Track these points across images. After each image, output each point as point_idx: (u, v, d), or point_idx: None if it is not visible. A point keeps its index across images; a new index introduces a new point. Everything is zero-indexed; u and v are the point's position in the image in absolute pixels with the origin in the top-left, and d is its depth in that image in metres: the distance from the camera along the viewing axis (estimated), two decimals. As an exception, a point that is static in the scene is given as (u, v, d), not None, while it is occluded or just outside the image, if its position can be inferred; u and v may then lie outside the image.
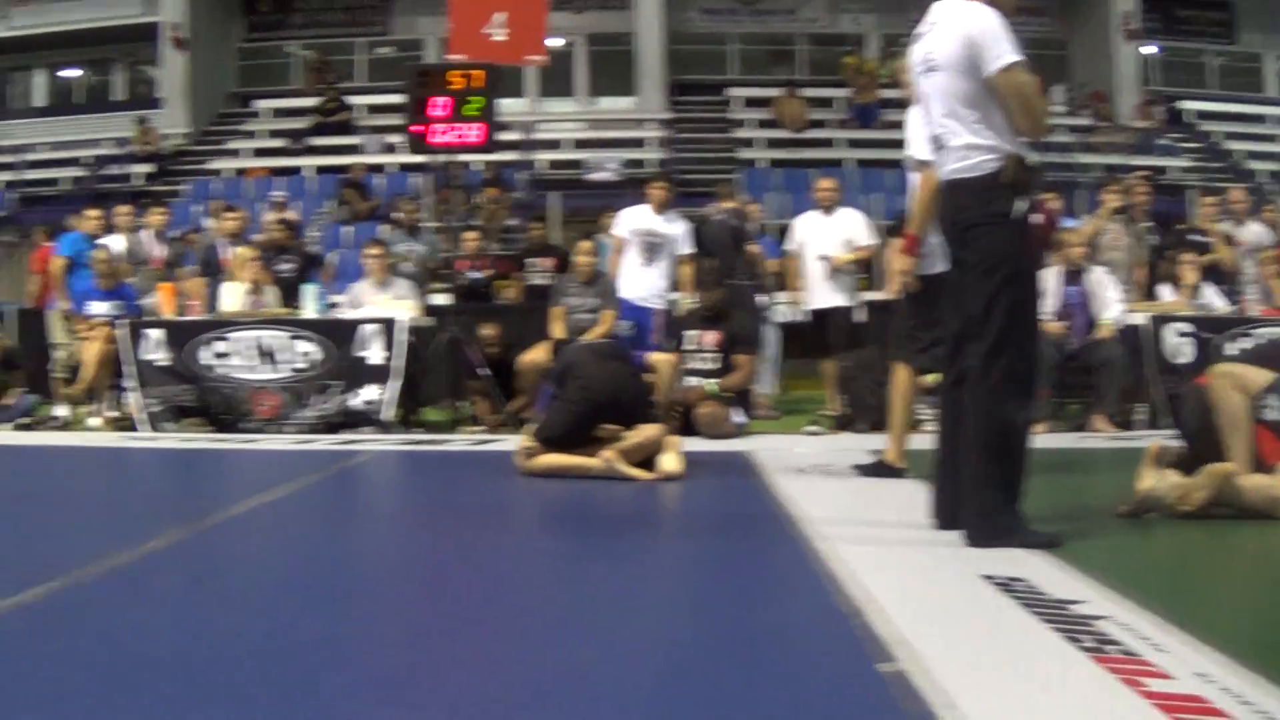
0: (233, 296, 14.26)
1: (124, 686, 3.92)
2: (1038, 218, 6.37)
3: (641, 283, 13.85)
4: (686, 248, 14.13)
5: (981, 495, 6.00)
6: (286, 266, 15.58)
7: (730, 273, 14.16)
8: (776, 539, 6.52)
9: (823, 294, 13.75)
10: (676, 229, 14.18)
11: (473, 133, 14.21)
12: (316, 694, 3.86)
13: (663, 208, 14.16)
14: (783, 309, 15.23)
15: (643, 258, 13.93)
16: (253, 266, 14.30)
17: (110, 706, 3.72)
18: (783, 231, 16.17)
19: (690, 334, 12.67)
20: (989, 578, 5.23)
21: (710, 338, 12.54)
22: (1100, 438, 12.06)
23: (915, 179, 8.64)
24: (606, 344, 10.98)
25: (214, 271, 15.54)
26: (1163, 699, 3.61)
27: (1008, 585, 5.09)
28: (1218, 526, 6.73)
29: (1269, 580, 5.86)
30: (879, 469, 9.10)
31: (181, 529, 7.08)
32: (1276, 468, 7.07)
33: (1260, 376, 7.46)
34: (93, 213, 16.73)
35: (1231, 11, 35.23)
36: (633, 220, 14.26)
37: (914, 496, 7.30)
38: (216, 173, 29.84)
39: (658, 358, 11.68)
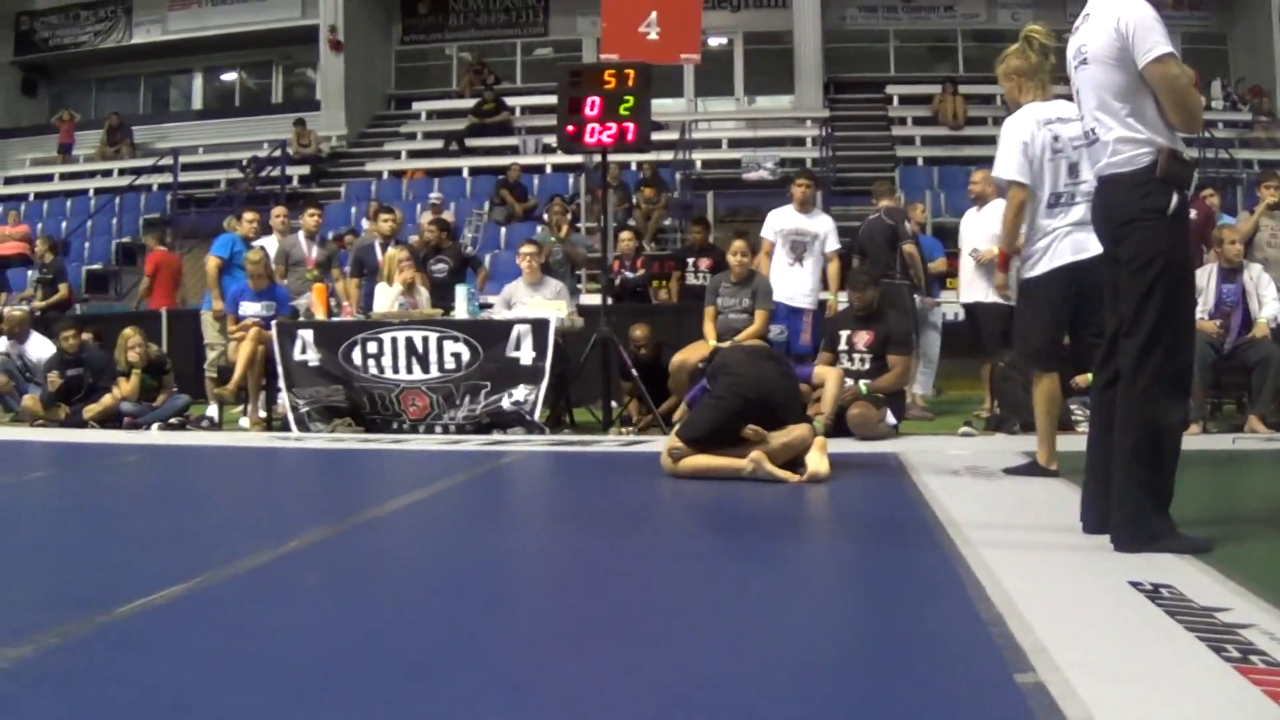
0: (385, 297, 14.34)
1: (251, 686, 3.92)
2: (1193, 214, 6.25)
3: (790, 283, 13.82)
4: (833, 244, 14.13)
5: (1131, 498, 5.86)
6: (440, 267, 15.67)
7: (886, 272, 14.07)
8: (921, 542, 6.43)
9: (973, 290, 13.57)
10: (822, 226, 14.23)
11: (626, 132, 14.13)
12: (449, 695, 3.83)
13: (806, 205, 14.18)
14: (944, 308, 15.07)
15: (790, 257, 13.93)
16: (405, 267, 14.36)
17: (235, 706, 3.72)
18: (940, 230, 16.05)
19: (844, 334, 12.58)
20: (1135, 584, 5.11)
21: (864, 338, 12.45)
22: (1255, 439, 11.85)
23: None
24: (759, 345, 10.95)
25: (369, 272, 15.67)
26: (1309, 713, 3.50)
27: (1154, 592, 4.97)
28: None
29: None
30: (1030, 470, 9.01)
31: (324, 529, 7.17)
32: None
33: None
34: (248, 215, 16.95)
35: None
36: (778, 220, 14.30)
37: (1064, 499, 7.22)
38: (374, 174, 30.12)
39: (823, 370, 11.55)
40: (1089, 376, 7.90)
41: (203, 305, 16.53)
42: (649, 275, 17.96)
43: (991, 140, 26.80)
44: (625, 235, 18.47)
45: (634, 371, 13.47)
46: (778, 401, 9.46)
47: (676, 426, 9.92)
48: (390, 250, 15.14)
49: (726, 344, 12.21)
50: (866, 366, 12.38)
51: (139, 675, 4.04)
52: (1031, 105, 8.62)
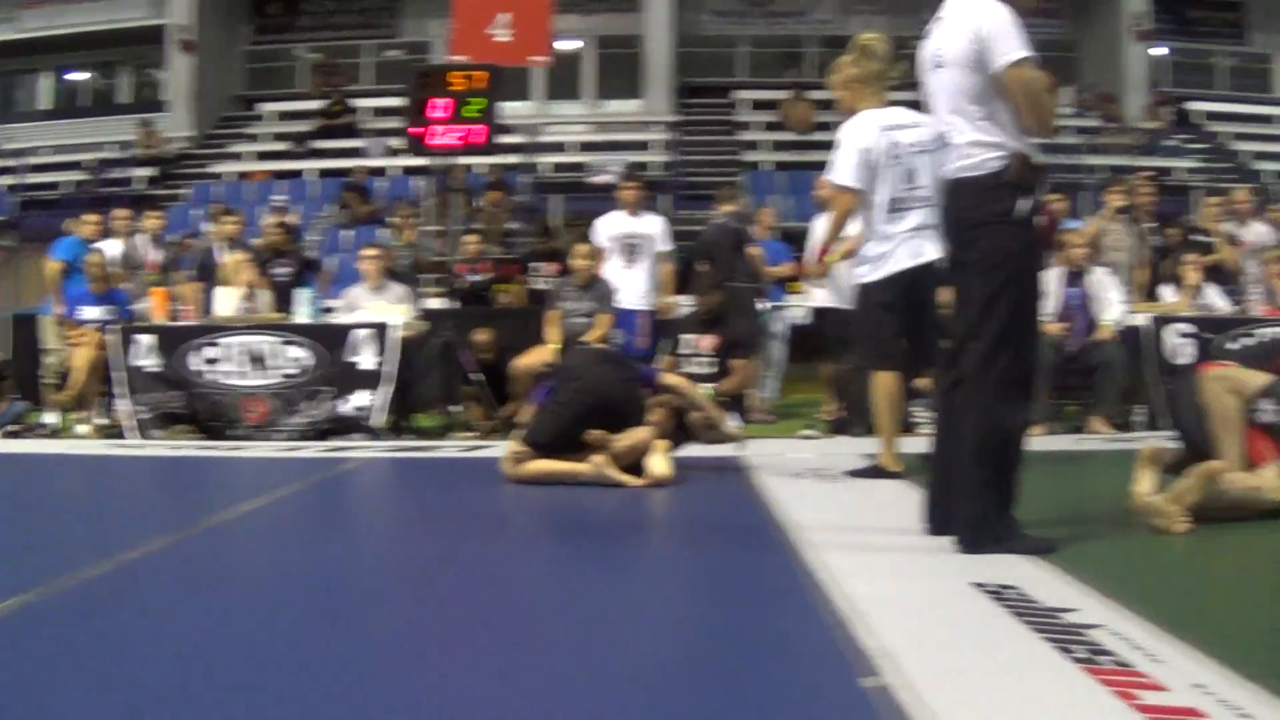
0: (226, 301, 14.13)
1: (86, 701, 3.83)
2: (1041, 218, 6.24)
3: (624, 286, 13.85)
4: (665, 245, 14.18)
5: (975, 500, 5.88)
6: (282, 271, 15.48)
7: (731, 276, 14.08)
8: (764, 546, 6.40)
9: (820, 294, 13.62)
10: (652, 227, 14.27)
11: (474, 135, 14.03)
12: (290, 705, 3.79)
13: (636, 208, 14.22)
14: (790, 311, 15.10)
15: (623, 260, 13.93)
16: (247, 271, 14.15)
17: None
18: (789, 235, 16.10)
19: (687, 338, 12.60)
20: (980, 585, 5.10)
21: (707, 342, 12.50)
22: (1098, 440, 12.04)
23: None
24: (602, 349, 10.92)
25: (209, 276, 15.47)
26: (1157, 712, 3.50)
27: (999, 593, 4.97)
28: (1215, 531, 6.60)
29: (1268, 586, 5.73)
30: (873, 472, 9.06)
31: (163, 538, 7.03)
32: (1262, 468, 7.08)
33: (1255, 379, 7.42)
34: (90, 217, 16.67)
35: (1242, 12, 35.34)
36: (608, 225, 14.30)
37: (907, 501, 7.21)
38: (219, 176, 29.86)
39: (672, 379, 11.51)
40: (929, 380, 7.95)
41: (42, 310, 16.20)
42: (494, 279, 17.87)
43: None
44: (470, 238, 18.37)
45: (477, 376, 13.34)
46: (620, 405, 9.47)
47: (519, 431, 9.85)
48: (234, 254, 14.88)
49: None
50: (711, 369, 12.39)
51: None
52: (870, 112, 8.64)
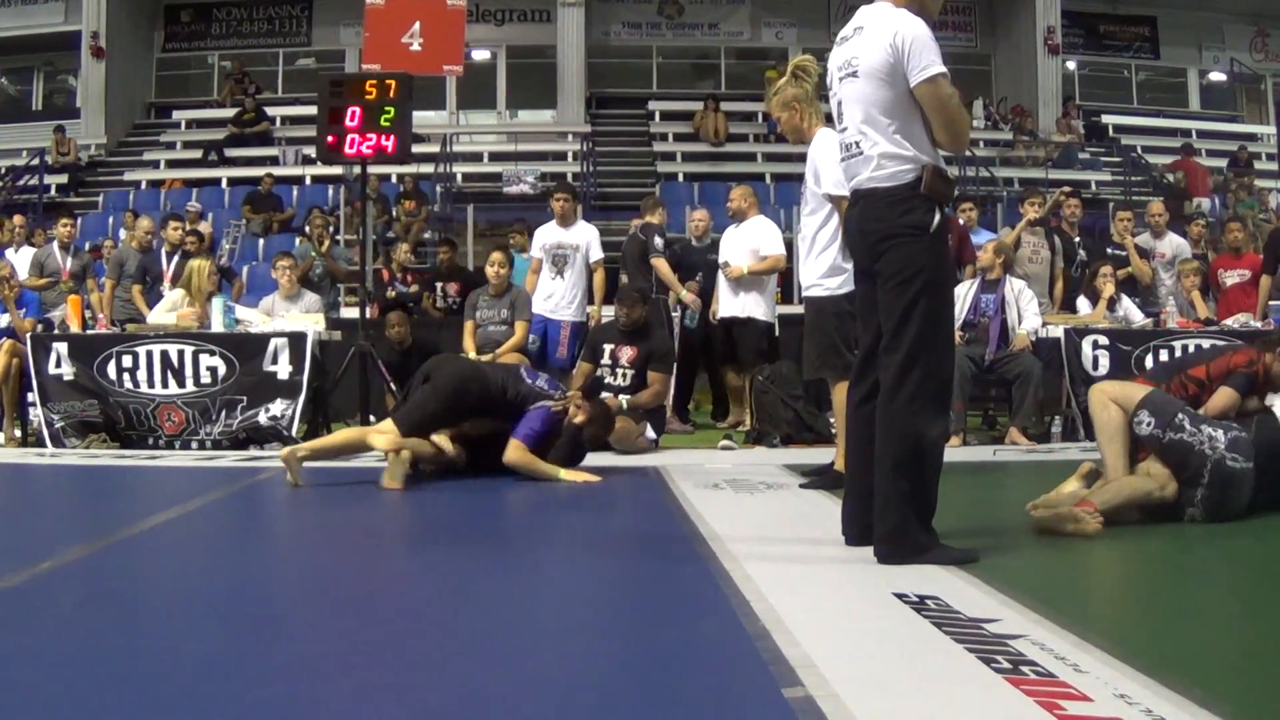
0: (172, 306, 14.02)
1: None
2: (950, 230, 6.26)
3: (550, 295, 13.96)
4: (596, 254, 14.27)
5: (893, 511, 5.86)
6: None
7: (643, 287, 14.13)
8: (684, 557, 6.36)
9: (729, 305, 13.64)
10: (582, 237, 14.27)
11: (386, 143, 13.96)
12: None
13: (566, 219, 14.26)
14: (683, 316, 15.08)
15: (551, 270, 14.01)
16: (213, 281, 14.02)
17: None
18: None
19: (608, 347, 12.56)
20: (901, 596, 5.09)
21: (627, 353, 12.45)
22: (1016, 450, 12.07)
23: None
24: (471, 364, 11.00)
25: (152, 279, 15.39)
26: (1082, 723, 3.48)
27: (920, 604, 4.95)
28: (1134, 540, 6.67)
29: (1187, 594, 5.77)
30: (830, 479, 9.02)
31: (78, 548, 6.90)
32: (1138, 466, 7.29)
33: (1137, 392, 7.49)
34: (9, 225, 16.62)
35: (1154, 26, 35.73)
36: (542, 236, 14.41)
37: (826, 512, 7.25)
38: (132, 183, 29.63)
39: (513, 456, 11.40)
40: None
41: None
42: (421, 289, 17.85)
43: (750, 157, 27.09)
44: (403, 248, 18.43)
45: (393, 385, 13.30)
46: (494, 392, 9.98)
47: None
48: (199, 260, 14.64)
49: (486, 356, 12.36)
50: (627, 381, 12.37)
51: None
52: (828, 131, 8.62)
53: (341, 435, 10.94)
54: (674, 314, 14.81)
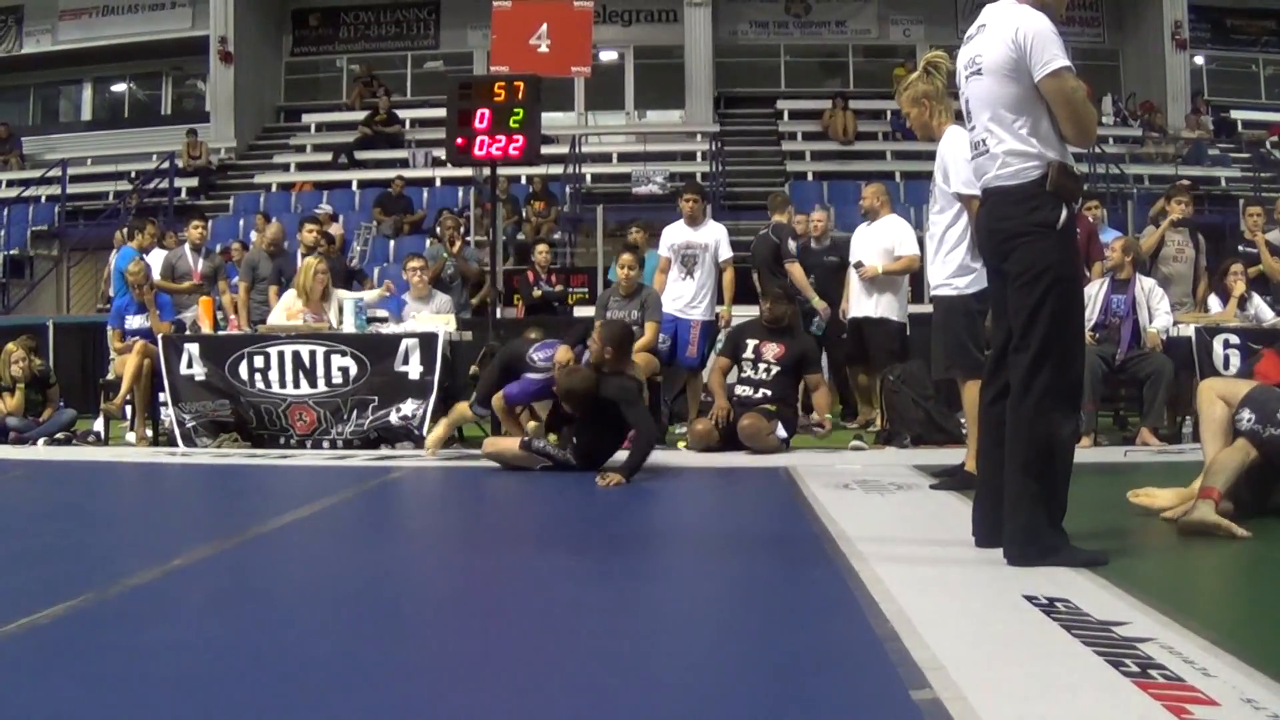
0: (289, 307, 14.12)
1: (131, 706, 3.82)
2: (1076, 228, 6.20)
3: (680, 295, 13.86)
4: (726, 253, 14.11)
5: (1023, 513, 5.83)
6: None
7: (767, 288, 14.08)
8: (813, 557, 6.35)
9: (861, 305, 13.56)
10: (711, 236, 14.13)
11: (515, 145, 14.04)
12: (330, 716, 3.75)
13: (695, 220, 14.11)
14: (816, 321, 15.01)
15: (680, 271, 13.93)
16: (321, 281, 14.13)
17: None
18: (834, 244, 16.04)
19: (751, 342, 12.50)
20: (1030, 598, 5.06)
21: (773, 350, 12.37)
22: (1147, 451, 11.90)
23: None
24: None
25: (286, 280, 15.53)
26: (1209, 728, 3.45)
27: (1050, 606, 4.92)
28: (1265, 542, 6.56)
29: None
30: (960, 479, 8.94)
31: (210, 546, 7.01)
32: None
33: (1241, 388, 7.40)
34: (149, 229, 16.84)
35: (1282, 20, 34.97)
36: (671, 236, 14.24)
37: (956, 513, 7.22)
38: (263, 186, 29.95)
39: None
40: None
41: (110, 319, 16.17)
42: (566, 290, 17.93)
43: (879, 155, 26.94)
44: (541, 248, 18.50)
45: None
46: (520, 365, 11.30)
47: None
48: (309, 259, 14.84)
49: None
50: (769, 378, 12.31)
51: (19, 698, 3.90)
52: (957, 128, 8.56)
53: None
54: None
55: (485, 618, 5.31)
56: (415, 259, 15.12)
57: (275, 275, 15.81)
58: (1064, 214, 5.89)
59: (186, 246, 16.46)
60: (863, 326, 13.48)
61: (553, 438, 11.04)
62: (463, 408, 11.64)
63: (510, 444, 10.89)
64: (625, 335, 10.89)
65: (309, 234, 16.21)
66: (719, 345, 13.51)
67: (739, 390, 12.51)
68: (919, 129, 9.08)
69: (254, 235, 21.26)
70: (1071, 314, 6.01)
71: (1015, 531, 5.85)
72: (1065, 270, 5.95)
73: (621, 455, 10.32)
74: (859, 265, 13.41)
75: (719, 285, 14.12)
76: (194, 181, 30.56)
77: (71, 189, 29.60)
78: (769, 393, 12.37)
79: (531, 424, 11.62)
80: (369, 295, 14.68)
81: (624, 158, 30.54)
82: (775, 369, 12.36)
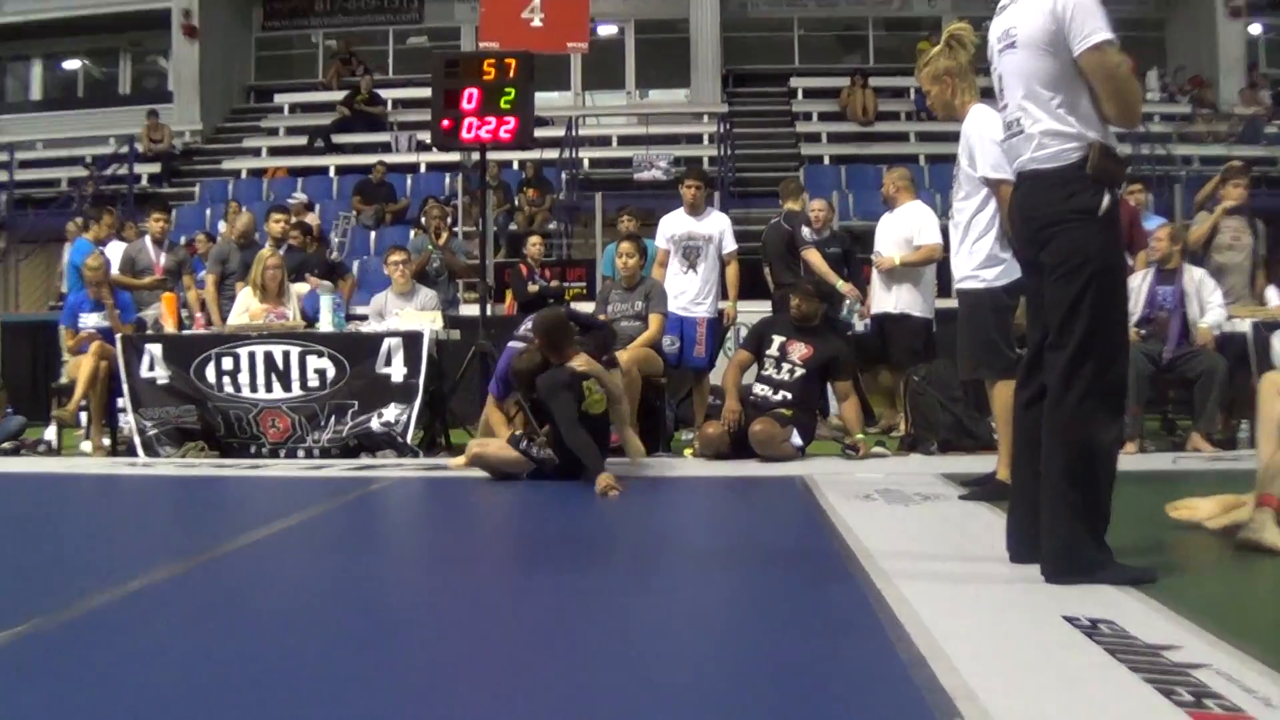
0: (248, 304, 14.15)
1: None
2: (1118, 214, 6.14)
3: (682, 291, 13.81)
4: (730, 244, 14.07)
5: (1063, 525, 5.78)
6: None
7: (789, 282, 14.03)
8: (832, 574, 6.33)
9: (881, 301, 13.53)
10: (715, 227, 14.10)
11: (506, 128, 14.00)
12: None
13: (697, 208, 14.07)
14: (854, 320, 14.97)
15: (682, 264, 13.90)
16: (274, 272, 14.13)
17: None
18: (851, 235, 15.99)
19: (777, 339, 12.43)
20: (1071, 619, 5.03)
21: (800, 350, 12.31)
22: (1199, 458, 11.88)
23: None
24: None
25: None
26: (1270, 761, 3.42)
27: (1092, 628, 4.89)
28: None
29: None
30: (991, 489, 8.91)
31: (173, 566, 6.95)
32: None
33: None
34: (106, 219, 16.80)
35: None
36: (670, 226, 14.19)
37: (988, 526, 7.20)
38: (231, 173, 29.84)
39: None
40: None
41: (61, 317, 16.13)
42: (562, 284, 17.92)
43: (902, 137, 26.90)
44: (534, 240, 18.38)
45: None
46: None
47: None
48: (262, 250, 14.86)
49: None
50: (792, 379, 12.26)
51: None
52: (984, 107, 8.52)
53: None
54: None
55: (483, 640, 5.28)
56: (398, 251, 15.12)
57: (245, 269, 15.71)
58: (1106, 199, 5.84)
59: (147, 238, 16.40)
60: (884, 323, 13.45)
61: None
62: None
63: (497, 445, 10.90)
64: (555, 325, 10.80)
65: (276, 224, 16.10)
66: (728, 339, 13.48)
67: (756, 389, 12.51)
68: (941, 108, 9.01)
69: (222, 226, 21.25)
70: (1114, 307, 5.97)
71: (1054, 546, 5.81)
72: (1107, 260, 5.91)
73: (618, 457, 10.36)
74: (876, 255, 13.39)
75: (723, 280, 14.07)
76: (155, 167, 30.49)
77: (20, 175, 29.56)
78: (788, 396, 12.33)
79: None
80: (321, 285, 14.65)
81: (624, 141, 30.57)
82: (800, 371, 12.33)
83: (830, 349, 12.55)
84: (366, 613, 5.79)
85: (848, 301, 14.45)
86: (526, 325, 11.38)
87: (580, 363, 10.49)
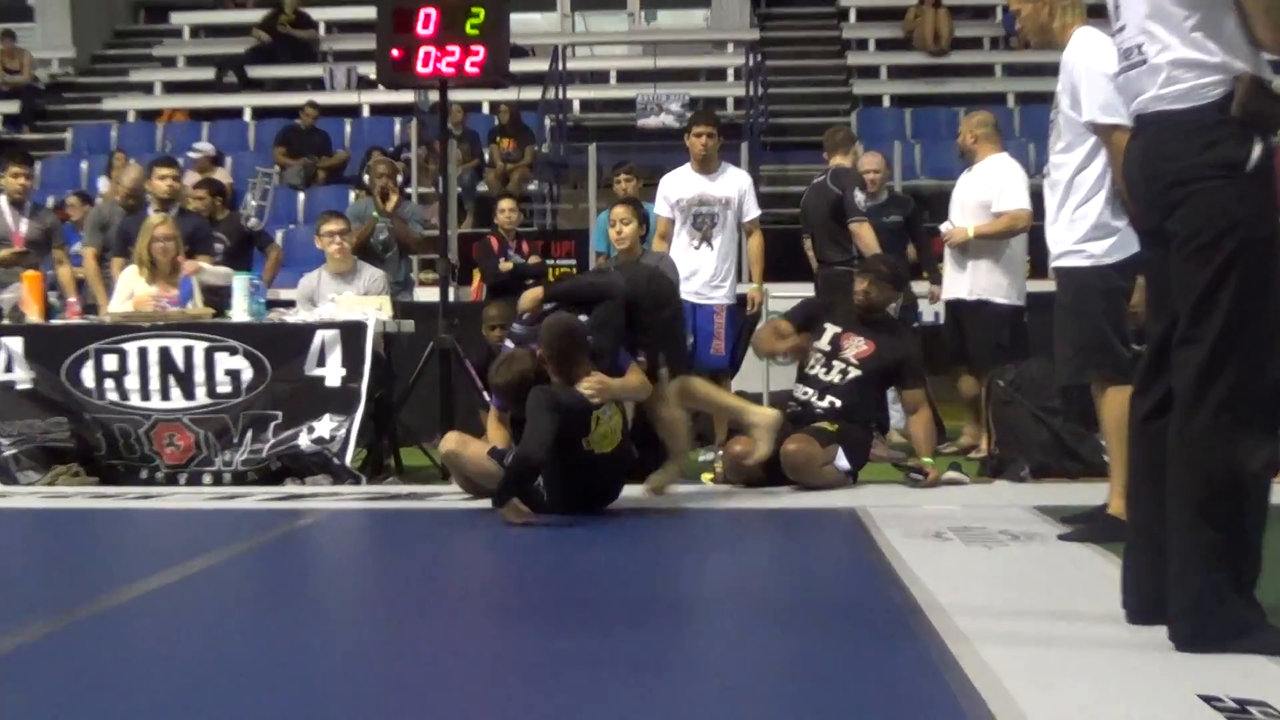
0: (131, 288, 14.03)
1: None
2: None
3: (694, 271, 13.63)
4: (752, 210, 13.98)
5: (1197, 576, 5.69)
6: (213, 248, 15.40)
7: (835, 259, 13.99)
8: (893, 635, 6.32)
9: (954, 284, 13.53)
10: (733, 187, 13.93)
11: (473, 59, 13.94)
12: None
13: (709, 163, 13.91)
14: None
15: (693, 237, 13.76)
16: (166, 245, 13.99)
17: None
18: (915, 197, 15.95)
19: (832, 329, 12.25)
20: (1210, 699, 4.95)
21: (859, 345, 12.06)
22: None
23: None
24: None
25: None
26: None
27: (1240, 711, 4.83)
28: None
29: None
30: (1098, 527, 8.81)
31: (36, 627, 6.94)
32: None
33: None
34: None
35: None
36: (674, 188, 14.01)
37: (1099, 575, 7.18)
38: (115, 115, 29.87)
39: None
40: None
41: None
42: (545, 260, 17.93)
43: (985, 70, 26.98)
44: (506, 205, 18.25)
45: (486, 393, 13.11)
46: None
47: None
48: (150, 217, 14.72)
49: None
50: (845, 380, 12.09)
51: None
52: (1092, 31, 8.46)
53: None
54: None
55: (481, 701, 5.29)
56: (333, 219, 14.98)
57: (121, 243, 15.41)
58: (1257, 150, 5.68)
59: (3, 199, 16.20)
60: (959, 313, 13.39)
61: None
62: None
63: (478, 449, 10.82)
64: (567, 341, 10.46)
65: (161, 181, 15.86)
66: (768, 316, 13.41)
67: (797, 392, 12.39)
68: (1033, 33, 8.92)
69: (103, 183, 21.24)
70: (1266, 293, 5.81)
71: (1187, 603, 5.71)
72: (1256, 229, 5.74)
73: (632, 490, 10.33)
74: (945, 227, 13.32)
75: (743, 255, 13.97)
76: (13, 106, 30.59)
77: None
78: (837, 403, 12.13)
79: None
80: (210, 270, 14.53)
81: (626, 77, 30.68)
82: (854, 373, 12.15)
83: (898, 350, 12.38)
84: (287, 687, 5.76)
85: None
86: (527, 316, 11.27)
87: (590, 385, 10.29)
